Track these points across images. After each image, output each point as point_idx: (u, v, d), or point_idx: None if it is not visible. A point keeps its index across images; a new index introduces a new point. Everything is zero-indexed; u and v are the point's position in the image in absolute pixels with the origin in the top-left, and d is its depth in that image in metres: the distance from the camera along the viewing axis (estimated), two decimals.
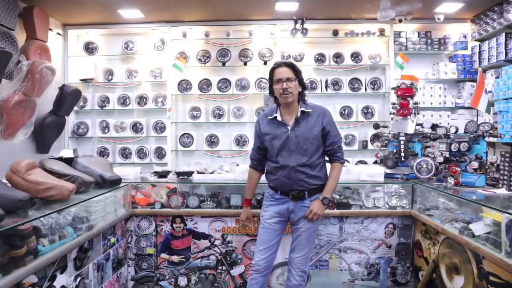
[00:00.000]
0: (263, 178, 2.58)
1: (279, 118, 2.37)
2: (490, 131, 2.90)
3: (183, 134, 4.85)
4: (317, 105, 2.45)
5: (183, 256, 3.08)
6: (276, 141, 2.36)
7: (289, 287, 2.43)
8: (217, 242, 3.07)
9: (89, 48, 4.86)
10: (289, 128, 2.34)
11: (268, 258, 2.42)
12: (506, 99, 3.63)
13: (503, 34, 3.81)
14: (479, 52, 4.35)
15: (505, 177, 3.72)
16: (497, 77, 3.96)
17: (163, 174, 3.30)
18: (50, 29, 4.16)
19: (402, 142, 3.15)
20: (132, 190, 3.13)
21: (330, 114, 2.44)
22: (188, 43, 4.85)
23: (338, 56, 4.78)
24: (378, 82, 4.73)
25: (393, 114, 3.34)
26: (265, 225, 2.44)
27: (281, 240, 2.50)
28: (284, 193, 2.39)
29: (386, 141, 3.33)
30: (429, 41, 4.73)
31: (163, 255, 3.09)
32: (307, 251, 2.41)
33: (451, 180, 2.80)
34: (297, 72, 2.35)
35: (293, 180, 2.34)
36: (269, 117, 2.41)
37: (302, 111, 2.35)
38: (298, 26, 4.59)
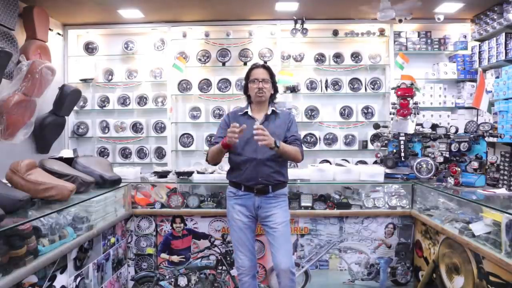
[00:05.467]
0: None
1: (250, 113, 2.49)
2: (490, 131, 2.90)
3: (183, 134, 4.84)
4: (282, 109, 2.64)
5: (183, 256, 3.08)
6: (243, 134, 2.28)
7: None
8: (217, 242, 3.07)
9: (89, 48, 4.86)
10: (258, 123, 2.35)
11: (251, 257, 2.44)
12: (506, 99, 3.63)
13: (503, 34, 3.81)
14: (479, 52, 4.35)
15: (505, 177, 3.72)
16: (497, 77, 3.96)
17: (163, 174, 3.30)
18: (50, 29, 4.16)
19: (402, 142, 3.15)
20: (132, 190, 3.13)
21: (293, 116, 2.60)
22: (188, 43, 4.85)
23: (338, 56, 4.78)
24: (378, 82, 4.73)
25: (393, 114, 3.34)
26: (237, 224, 2.43)
27: (255, 240, 2.53)
28: (248, 188, 2.39)
29: (386, 141, 3.34)
30: (429, 41, 4.72)
31: (163, 255, 3.09)
32: (287, 246, 2.37)
33: (451, 180, 2.80)
34: (272, 75, 2.51)
35: (259, 174, 2.36)
36: (240, 113, 2.52)
37: (272, 110, 2.49)
38: (298, 26, 4.59)
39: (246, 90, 2.55)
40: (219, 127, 2.56)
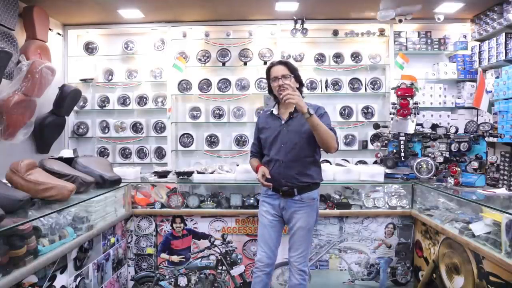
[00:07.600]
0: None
1: (275, 112, 2.47)
2: (490, 131, 2.91)
3: (183, 134, 4.84)
4: (314, 104, 2.48)
5: (183, 256, 3.08)
6: (269, 133, 2.44)
7: (291, 286, 2.44)
8: (217, 242, 3.07)
9: (89, 48, 4.86)
10: (283, 122, 2.41)
11: (270, 254, 2.45)
12: (506, 99, 3.63)
13: (503, 34, 3.81)
14: (479, 52, 4.35)
15: (505, 177, 3.72)
16: (497, 77, 3.96)
17: (163, 174, 3.30)
18: (50, 29, 4.16)
19: (402, 142, 3.15)
20: (132, 190, 3.13)
21: (325, 111, 2.44)
22: (188, 43, 4.85)
23: (338, 56, 4.78)
24: (378, 82, 4.73)
25: (393, 114, 3.34)
26: (262, 220, 2.49)
27: (280, 239, 2.53)
28: (275, 189, 2.41)
29: (386, 141, 3.34)
30: (429, 41, 4.72)
31: (163, 255, 3.09)
32: (303, 250, 2.41)
33: (451, 180, 2.80)
34: (292, 69, 2.41)
35: (283, 175, 2.35)
36: (267, 113, 2.53)
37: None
38: (298, 26, 4.59)
39: (270, 90, 2.50)
40: (254, 131, 2.61)
